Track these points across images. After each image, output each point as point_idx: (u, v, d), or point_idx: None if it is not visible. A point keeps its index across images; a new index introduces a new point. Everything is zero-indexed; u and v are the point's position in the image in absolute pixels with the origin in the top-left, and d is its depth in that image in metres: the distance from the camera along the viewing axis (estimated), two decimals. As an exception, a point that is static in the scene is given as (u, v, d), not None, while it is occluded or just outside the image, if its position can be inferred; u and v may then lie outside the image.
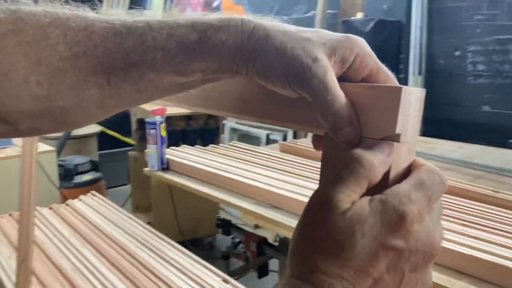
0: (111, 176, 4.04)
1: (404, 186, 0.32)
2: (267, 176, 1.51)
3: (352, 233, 0.30)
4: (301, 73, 0.34)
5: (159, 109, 1.74)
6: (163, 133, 1.73)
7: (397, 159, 0.33)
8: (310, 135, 2.46)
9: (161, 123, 1.71)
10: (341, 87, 0.34)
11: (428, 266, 0.32)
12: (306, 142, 2.07)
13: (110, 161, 4.41)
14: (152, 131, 1.70)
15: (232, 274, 1.85)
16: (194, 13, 0.36)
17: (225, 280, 1.21)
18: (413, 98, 0.33)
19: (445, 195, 1.32)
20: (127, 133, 4.73)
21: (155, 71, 0.35)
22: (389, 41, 2.89)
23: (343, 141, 0.35)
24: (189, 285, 1.19)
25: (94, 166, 3.47)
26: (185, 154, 1.84)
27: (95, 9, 0.36)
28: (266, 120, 0.43)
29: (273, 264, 2.21)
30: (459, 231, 1.04)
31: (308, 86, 0.34)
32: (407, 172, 0.34)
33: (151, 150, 1.73)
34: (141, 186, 3.56)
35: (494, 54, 2.62)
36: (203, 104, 0.49)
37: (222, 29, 0.35)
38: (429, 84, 2.89)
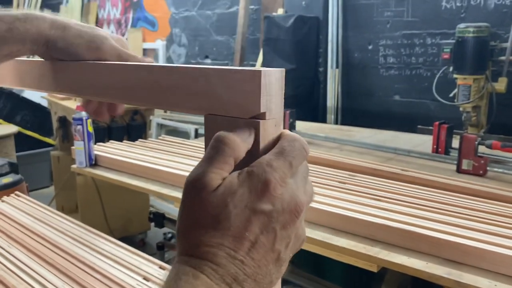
0: (31, 178, 3.84)
1: (267, 156, 0.36)
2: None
3: (225, 206, 0.34)
4: (100, 45, 0.52)
5: (85, 104, 1.73)
6: (90, 129, 1.71)
7: (264, 133, 0.38)
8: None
9: (88, 118, 1.70)
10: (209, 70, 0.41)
11: (296, 221, 0.37)
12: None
13: (30, 163, 4.20)
14: (79, 127, 1.69)
15: (167, 263, 1.88)
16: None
17: (161, 267, 1.24)
18: (273, 79, 0.38)
19: (359, 174, 1.46)
20: (47, 133, 4.53)
21: None
22: (308, 36, 3.04)
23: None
24: (126, 274, 1.21)
25: (13, 168, 3.29)
26: (113, 150, 1.84)
27: None
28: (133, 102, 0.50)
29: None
30: (372, 205, 1.17)
31: (105, 52, 0.53)
32: (275, 143, 0.38)
33: (78, 146, 1.71)
34: (65, 186, 3.44)
35: (402, 47, 2.86)
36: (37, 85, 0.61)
37: (26, 20, 0.49)
38: (345, 76, 3.09)
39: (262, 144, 0.38)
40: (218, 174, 0.35)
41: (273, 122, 0.39)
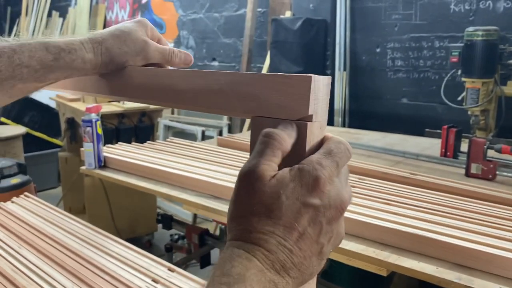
0: (39, 179, 3.87)
1: (316, 155, 0.39)
2: (206, 169, 1.57)
3: (278, 197, 0.37)
4: (144, 52, 0.57)
5: (94, 106, 1.74)
6: (100, 131, 1.72)
7: (310, 135, 0.41)
8: (245, 129, 2.54)
9: (97, 120, 1.71)
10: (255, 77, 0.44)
11: (340, 218, 0.40)
12: (242, 136, 2.15)
13: (38, 164, 4.23)
14: (88, 128, 1.70)
15: (175, 265, 1.88)
16: (43, 37, 0.52)
17: (170, 269, 1.25)
18: (321, 85, 0.41)
19: (368, 178, 1.45)
20: (55, 134, 4.56)
21: (22, 82, 0.50)
22: (316, 38, 3.04)
23: (176, 64, 0.60)
24: (135, 276, 1.21)
25: (22, 169, 3.32)
26: (122, 151, 1.84)
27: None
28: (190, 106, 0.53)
29: (215, 255, 2.26)
30: (382, 209, 1.16)
31: (150, 56, 0.58)
32: (320, 145, 0.42)
33: (87, 148, 1.72)
34: (73, 187, 3.46)
35: (410, 50, 2.85)
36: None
37: (71, 51, 0.52)
38: (353, 79, 3.08)
39: (308, 145, 0.41)
40: (270, 166, 0.38)
41: (319, 125, 0.41)
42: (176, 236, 3.36)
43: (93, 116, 1.70)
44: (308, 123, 0.40)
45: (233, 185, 1.29)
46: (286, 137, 0.39)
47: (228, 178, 1.43)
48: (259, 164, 0.38)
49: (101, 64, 0.55)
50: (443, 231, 1.03)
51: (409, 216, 1.12)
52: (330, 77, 0.42)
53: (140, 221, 3.11)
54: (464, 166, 1.61)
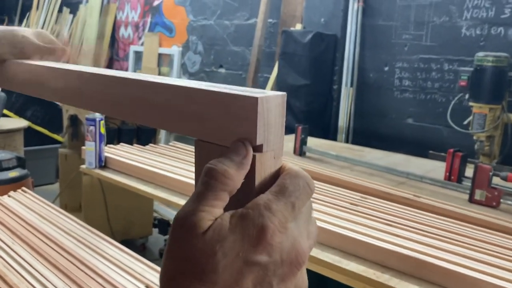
0: (37, 173, 3.85)
1: (265, 196, 0.31)
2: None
3: (214, 254, 0.29)
4: (20, 45, 0.62)
5: (100, 106, 1.73)
6: (102, 130, 1.71)
7: (260, 167, 0.33)
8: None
9: (101, 120, 1.70)
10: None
11: (297, 273, 0.31)
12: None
13: (37, 158, 4.21)
14: (91, 127, 1.68)
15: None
16: None
17: (164, 276, 1.23)
18: (272, 106, 0.33)
19: (371, 197, 1.44)
20: (56, 130, 4.55)
21: None
22: (325, 53, 3.04)
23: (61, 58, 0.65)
24: (129, 281, 1.19)
25: (21, 163, 3.30)
26: (123, 153, 1.83)
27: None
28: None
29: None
30: (384, 230, 1.14)
31: (26, 51, 0.62)
32: (275, 178, 0.34)
33: (89, 147, 1.70)
34: (71, 185, 3.44)
35: (418, 71, 2.85)
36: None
37: None
38: (359, 95, 3.08)
39: (258, 180, 0.33)
40: (208, 213, 0.30)
41: (272, 154, 0.34)
42: (171, 241, 3.33)
43: (97, 115, 1.69)
44: (257, 154, 0.33)
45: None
46: (234, 173, 0.31)
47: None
48: (195, 211, 0.30)
49: None
50: (445, 256, 1.01)
51: (411, 239, 1.10)
52: (285, 94, 0.35)
53: (135, 224, 3.08)
54: (468, 191, 1.59)
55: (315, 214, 1.16)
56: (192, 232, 0.29)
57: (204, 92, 0.35)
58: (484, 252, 1.08)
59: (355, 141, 2.99)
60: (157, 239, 3.28)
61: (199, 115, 0.36)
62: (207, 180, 0.31)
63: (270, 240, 0.30)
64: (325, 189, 1.47)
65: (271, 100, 0.33)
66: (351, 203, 1.33)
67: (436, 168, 2.02)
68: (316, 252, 1.05)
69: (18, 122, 3.98)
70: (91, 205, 2.91)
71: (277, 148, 0.34)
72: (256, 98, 0.32)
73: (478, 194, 1.56)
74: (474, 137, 2.27)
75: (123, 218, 3.00)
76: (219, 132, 0.34)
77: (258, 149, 0.33)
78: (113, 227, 2.91)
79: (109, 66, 5.08)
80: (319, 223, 1.10)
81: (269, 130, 0.33)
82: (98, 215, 2.88)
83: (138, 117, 0.42)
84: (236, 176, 0.31)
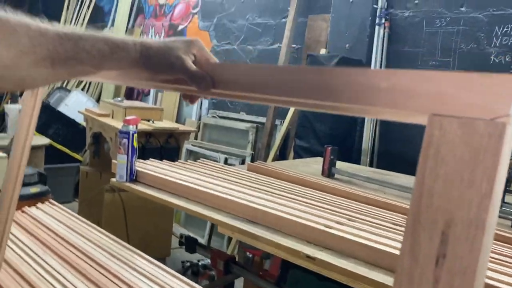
0: (55, 191, 3.85)
1: None
2: (240, 191, 1.52)
3: None
4: (175, 66, 0.62)
5: (133, 118, 1.72)
6: (135, 144, 1.70)
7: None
8: (269, 160, 2.49)
9: (135, 133, 1.69)
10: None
11: None
12: (272, 164, 2.11)
13: (56, 176, 4.21)
14: (124, 140, 1.67)
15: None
16: (107, 32, 0.60)
17: (200, 292, 1.19)
18: None
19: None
20: (76, 148, 4.57)
21: (81, 65, 0.57)
22: (350, 77, 3.03)
23: (201, 89, 0.61)
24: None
25: (42, 179, 3.30)
26: (153, 167, 1.81)
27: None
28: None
29: (239, 286, 2.17)
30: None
31: (179, 71, 0.63)
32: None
33: (121, 160, 1.69)
34: (90, 203, 3.43)
35: (445, 97, 2.81)
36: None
37: (124, 49, 0.60)
38: (384, 121, 3.05)
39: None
40: None
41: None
42: (188, 264, 3.27)
43: (131, 128, 1.68)
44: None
45: (271, 211, 1.24)
46: None
47: (265, 203, 1.38)
48: None
49: (140, 65, 0.63)
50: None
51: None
52: None
53: (154, 244, 3.04)
54: (510, 217, 1.54)
55: (361, 234, 1.13)
56: None
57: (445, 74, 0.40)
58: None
59: (380, 165, 2.95)
60: (173, 261, 3.23)
61: (438, 94, 0.39)
62: None
63: None
64: (365, 210, 1.43)
65: None
66: (394, 224, 1.29)
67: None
68: (367, 272, 1.00)
69: (40, 140, 4.01)
70: (111, 223, 2.88)
71: None
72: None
73: (520, 219, 1.51)
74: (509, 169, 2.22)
75: (142, 238, 2.96)
76: (463, 107, 0.37)
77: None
78: (132, 245, 2.88)
79: (133, 90, 5.13)
80: (366, 242, 1.06)
81: None
82: (117, 233, 2.84)
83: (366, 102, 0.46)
84: None
